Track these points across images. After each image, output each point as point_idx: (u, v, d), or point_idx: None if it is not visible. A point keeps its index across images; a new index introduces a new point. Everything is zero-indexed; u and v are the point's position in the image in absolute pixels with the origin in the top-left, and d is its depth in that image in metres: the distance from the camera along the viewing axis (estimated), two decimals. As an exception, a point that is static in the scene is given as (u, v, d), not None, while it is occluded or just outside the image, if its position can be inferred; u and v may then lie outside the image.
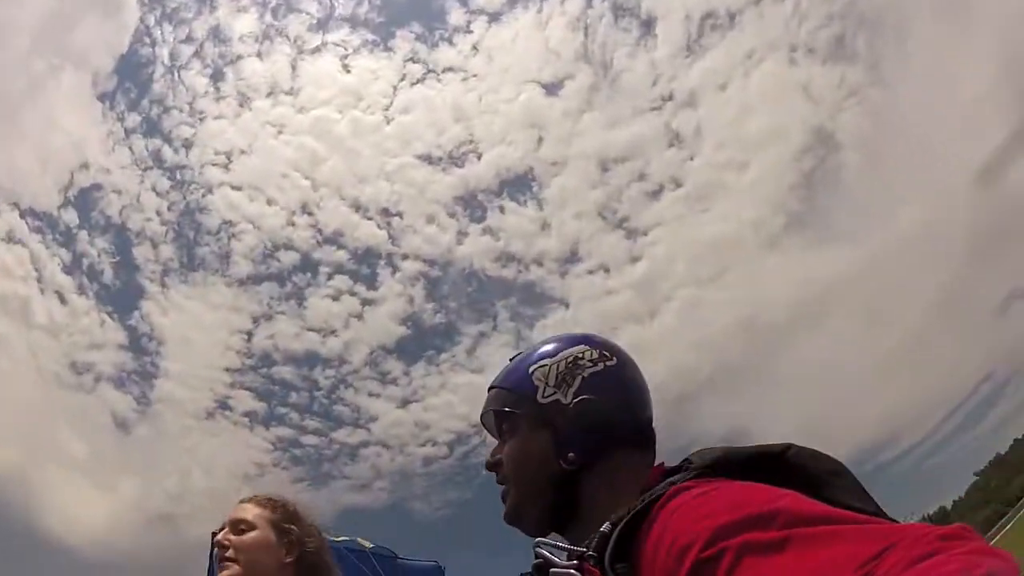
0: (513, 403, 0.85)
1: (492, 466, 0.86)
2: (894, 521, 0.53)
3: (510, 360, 0.91)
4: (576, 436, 0.79)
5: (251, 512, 1.42)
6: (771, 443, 0.69)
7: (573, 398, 0.81)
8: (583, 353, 0.83)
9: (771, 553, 0.52)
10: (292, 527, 1.42)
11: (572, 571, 0.68)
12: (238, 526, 1.40)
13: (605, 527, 0.67)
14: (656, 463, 0.81)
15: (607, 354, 0.84)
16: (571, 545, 0.72)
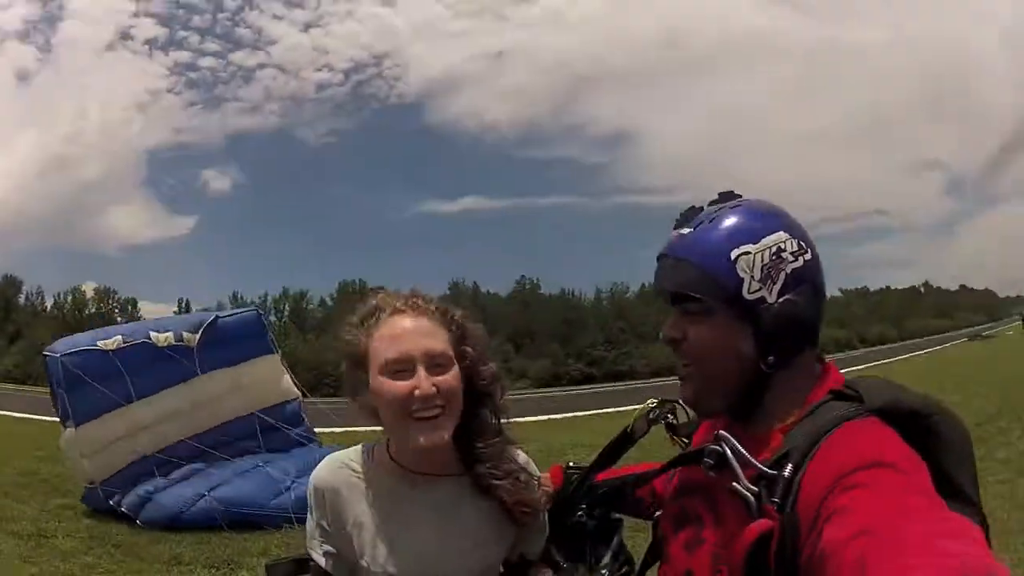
0: (709, 290, 0.79)
1: (673, 342, 0.84)
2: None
3: (687, 224, 0.84)
4: (778, 338, 0.78)
5: (439, 337, 0.97)
6: (927, 400, 0.75)
7: (778, 297, 0.78)
8: (784, 243, 0.79)
9: (868, 489, 0.59)
10: (467, 349, 1.00)
11: (752, 498, 0.69)
12: (434, 361, 0.95)
13: (787, 471, 0.68)
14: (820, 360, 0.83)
15: (803, 245, 0.81)
16: (749, 455, 0.73)
